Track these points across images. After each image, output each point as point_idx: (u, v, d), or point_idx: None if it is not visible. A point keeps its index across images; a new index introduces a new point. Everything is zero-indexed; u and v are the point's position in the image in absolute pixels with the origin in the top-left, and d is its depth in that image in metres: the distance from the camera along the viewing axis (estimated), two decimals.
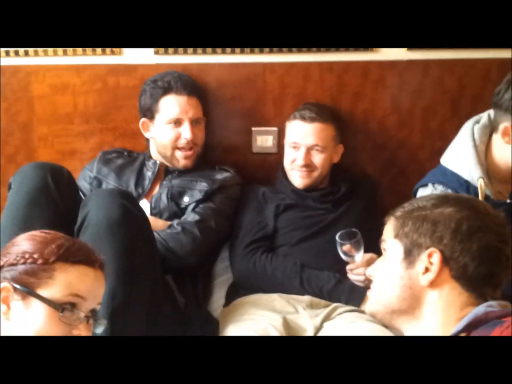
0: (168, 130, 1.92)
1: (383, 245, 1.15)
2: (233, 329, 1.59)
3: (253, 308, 1.69)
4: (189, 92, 1.92)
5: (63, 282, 1.07)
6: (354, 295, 1.70)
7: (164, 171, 1.99)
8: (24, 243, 1.09)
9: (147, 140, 2.04)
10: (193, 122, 1.92)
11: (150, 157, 2.02)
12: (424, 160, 2.06)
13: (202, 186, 1.92)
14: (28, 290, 1.04)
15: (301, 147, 1.88)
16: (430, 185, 1.73)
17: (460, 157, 1.69)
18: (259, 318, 1.63)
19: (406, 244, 1.09)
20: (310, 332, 1.60)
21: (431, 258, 1.05)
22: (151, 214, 1.88)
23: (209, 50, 2.05)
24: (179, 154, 1.94)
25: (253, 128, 2.12)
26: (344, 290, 1.72)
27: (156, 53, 2.06)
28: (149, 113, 1.96)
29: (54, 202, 1.58)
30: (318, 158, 1.89)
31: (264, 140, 2.12)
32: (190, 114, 1.91)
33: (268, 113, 2.11)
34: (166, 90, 1.91)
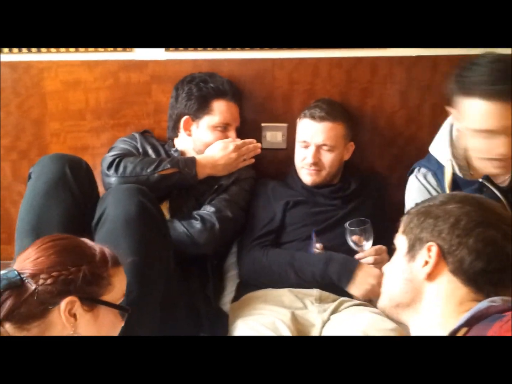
0: (213, 134, 1.97)
1: (395, 242, 1.17)
2: (242, 324, 1.62)
3: (262, 303, 1.72)
4: (235, 100, 2.00)
5: (118, 284, 1.12)
6: (344, 273, 1.71)
7: None
8: (70, 254, 1.08)
9: (171, 135, 2.07)
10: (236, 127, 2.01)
11: (173, 146, 2.04)
12: None
13: (218, 179, 1.95)
14: (98, 300, 1.07)
15: (310, 145, 1.90)
16: (416, 169, 1.80)
17: (437, 142, 1.77)
18: (268, 313, 1.65)
19: (410, 238, 1.11)
20: (318, 328, 1.63)
21: (429, 252, 1.07)
22: (171, 208, 1.91)
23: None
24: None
25: (262, 124, 2.14)
26: (334, 269, 1.72)
27: (167, 49, 2.08)
28: (196, 112, 1.98)
29: (72, 192, 1.61)
30: (327, 157, 1.90)
31: (273, 136, 2.14)
32: (237, 122, 2.01)
33: (277, 109, 2.12)
34: (219, 94, 1.96)
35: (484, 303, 0.98)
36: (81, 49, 2.09)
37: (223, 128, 1.97)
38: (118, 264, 1.13)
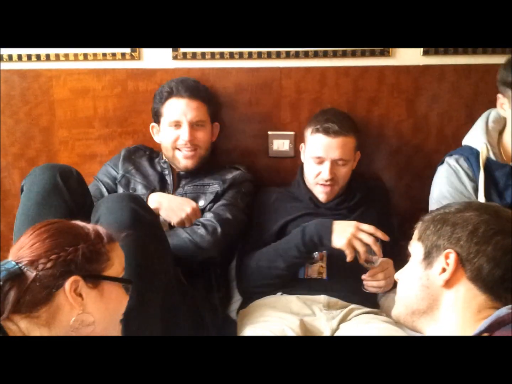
0: (170, 132, 1.97)
1: (409, 249, 1.17)
2: (250, 331, 1.62)
3: (270, 310, 1.72)
4: (190, 95, 1.95)
5: (117, 259, 1.12)
6: (322, 229, 1.74)
7: (177, 177, 2.03)
8: (64, 235, 1.08)
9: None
10: (194, 124, 1.96)
11: (162, 158, 2.06)
12: None
13: (214, 187, 1.96)
14: (101, 275, 1.08)
15: (325, 161, 1.87)
16: (446, 157, 1.82)
17: (472, 132, 1.83)
18: (276, 320, 1.65)
19: (426, 245, 1.11)
20: (327, 335, 1.62)
21: (447, 259, 1.07)
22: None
23: (226, 55, 2.08)
24: (179, 154, 1.98)
25: (269, 132, 2.14)
26: (312, 232, 1.75)
27: (175, 58, 2.10)
28: (156, 117, 2.02)
29: (64, 201, 1.62)
30: (341, 171, 1.89)
31: (280, 144, 2.15)
32: (190, 117, 1.95)
33: (285, 118, 2.13)
34: (169, 94, 1.96)
35: (503, 310, 0.98)
36: (89, 58, 2.12)
37: (175, 126, 1.96)
38: (113, 240, 1.13)
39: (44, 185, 1.62)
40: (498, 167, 1.71)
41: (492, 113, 1.82)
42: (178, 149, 1.97)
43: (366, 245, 1.69)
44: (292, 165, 2.14)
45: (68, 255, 1.04)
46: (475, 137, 1.78)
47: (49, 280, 1.02)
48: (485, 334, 0.97)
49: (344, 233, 1.70)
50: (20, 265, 1.03)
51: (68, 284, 1.03)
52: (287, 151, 2.14)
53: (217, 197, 1.94)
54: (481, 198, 1.67)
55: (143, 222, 1.51)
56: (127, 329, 1.36)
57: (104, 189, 1.99)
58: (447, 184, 1.75)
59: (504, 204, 1.64)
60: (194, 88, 1.98)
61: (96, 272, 1.08)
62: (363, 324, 1.63)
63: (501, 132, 1.78)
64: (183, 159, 1.97)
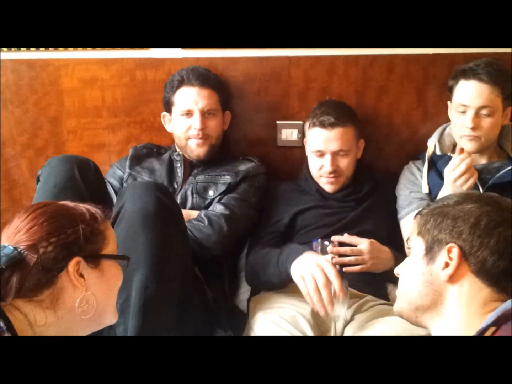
0: (181, 121, 1.97)
1: (409, 243, 1.16)
2: (262, 317, 1.62)
3: (282, 297, 1.71)
4: (201, 83, 1.95)
5: (111, 237, 1.13)
6: (290, 257, 1.60)
7: (189, 166, 2.02)
8: (61, 217, 1.07)
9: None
10: (205, 113, 1.95)
11: (175, 150, 2.05)
12: None
13: (226, 179, 1.95)
14: (101, 255, 1.08)
15: (326, 154, 1.87)
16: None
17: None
18: (288, 306, 1.65)
19: (427, 240, 1.10)
20: (339, 323, 1.61)
21: (450, 253, 1.06)
22: None
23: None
24: (191, 142, 1.97)
25: (278, 122, 2.14)
26: (284, 256, 1.64)
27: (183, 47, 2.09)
28: (167, 107, 2.01)
29: (81, 195, 1.61)
30: (344, 162, 1.89)
31: (289, 134, 2.14)
32: (201, 105, 1.94)
33: (293, 107, 2.12)
34: (180, 83, 1.96)
35: (509, 303, 0.98)
36: (97, 47, 2.10)
37: (187, 115, 1.96)
38: (105, 219, 1.13)
39: (62, 178, 1.63)
40: (439, 158, 1.89)
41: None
42: (191, 138, 1.97)
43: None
44: (300, 154, 2.12)
45: (68, 237, 1.04)
46: (430, 139, 1.98)
47: (51, 263, 1.02)
48: (492, 328, 0.96)
49: (303, 265, 1.55)
50: (19, 249, 1.01)
51: (71, 265, 1.03)
52: (296, 140, 2.14)
53: (229, 189, 1.93)
54: (424, 183, 1.88)
55: (168, 210, 1.51)
56: (144, 318, 1.38)
57: (111, 190, 1.98)
58: (402, 179, 1.97)
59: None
60: (205, 76, 1.98)
61: (96, 251, 1.08)
62: (380, 317, 1.60)
63: (455, 145, 1.92)
64: (195, 148, 1.97)
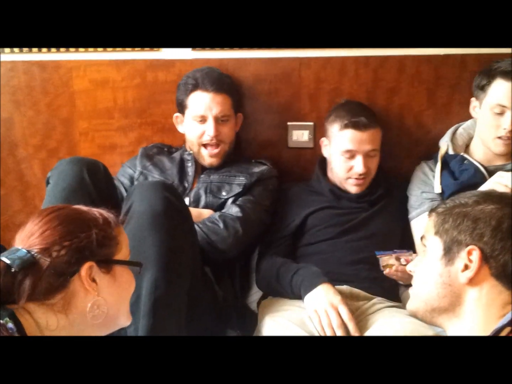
0: (195, 126, 1.95)
1: (423, 242, 1.14)
2: (269, 320, 1.62)
3: (291, 300, 1.71)
4: (216, 89, 1.92)
5: (124, 243, 1.13)
6: (305, 283, 1.65)
7: (201, 166, 2.02)
8: (75, 222, 1.07)
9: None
10: (219, 120, 1.94)
11: (186, 150, 2.05)
12: None
13: (240, 180, 1.94)
14: (113, 260, 1.08)
15: (357, 155, 1.86)
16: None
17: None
18: (296, 309, 1.65)
19: (446, 241, 1.08)
20: (348, 326, 1.61)
21: (470, 256, 1.04)
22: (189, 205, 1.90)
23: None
24: (204, 151, 1.96)
25: (288, 123, 2.14)
26: (298, 279, 1.68)
27: (194, 48, 2.09)
28: (180, 108, 2.00)
29: (91, 197, 1.63)
30: (373, 163, 1.90)
31: (299, 135, 2.14)
32: (215, 112, 1.92)
33: (304, 108, 2.12)
34: (195, 87, 1.94)
35: None
36: (109, 49, 2.12)
37: (200, 121, 1.94)
38: (119, 224, 1.14)
39: (71, 181, 1.63)
40: (452, 158, 1.90)
41: (466, 123, 1.98)
42: (204, 146, 1.96)
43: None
44: (311, 156, 2.13)
45: (81, 242, 1.04)
46: (443, 139, 1.99)
47: (64, 267, 1.02)
48: (508, 328, 0.95)
49: (317, 302, 1.60)
50: (32, 252, 1.02)
51: (84, 270, 1.03)
52: (307, 141, 2.13)
53: (244, 191, 1.93)
54: (437, 183, 1.86)
55: (176, 210, 1.51)
56: (154, 318, 1.38)
57: (123, 190, 1.99)
58: (414, 178, 1.98)
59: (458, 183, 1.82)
60: (220, 81, 1.95)
61: (108, 256, 1.08)
62: (386, 318, 1.60)
63: (468, 145, 1.96)
64: (208, 157, 1.97)
